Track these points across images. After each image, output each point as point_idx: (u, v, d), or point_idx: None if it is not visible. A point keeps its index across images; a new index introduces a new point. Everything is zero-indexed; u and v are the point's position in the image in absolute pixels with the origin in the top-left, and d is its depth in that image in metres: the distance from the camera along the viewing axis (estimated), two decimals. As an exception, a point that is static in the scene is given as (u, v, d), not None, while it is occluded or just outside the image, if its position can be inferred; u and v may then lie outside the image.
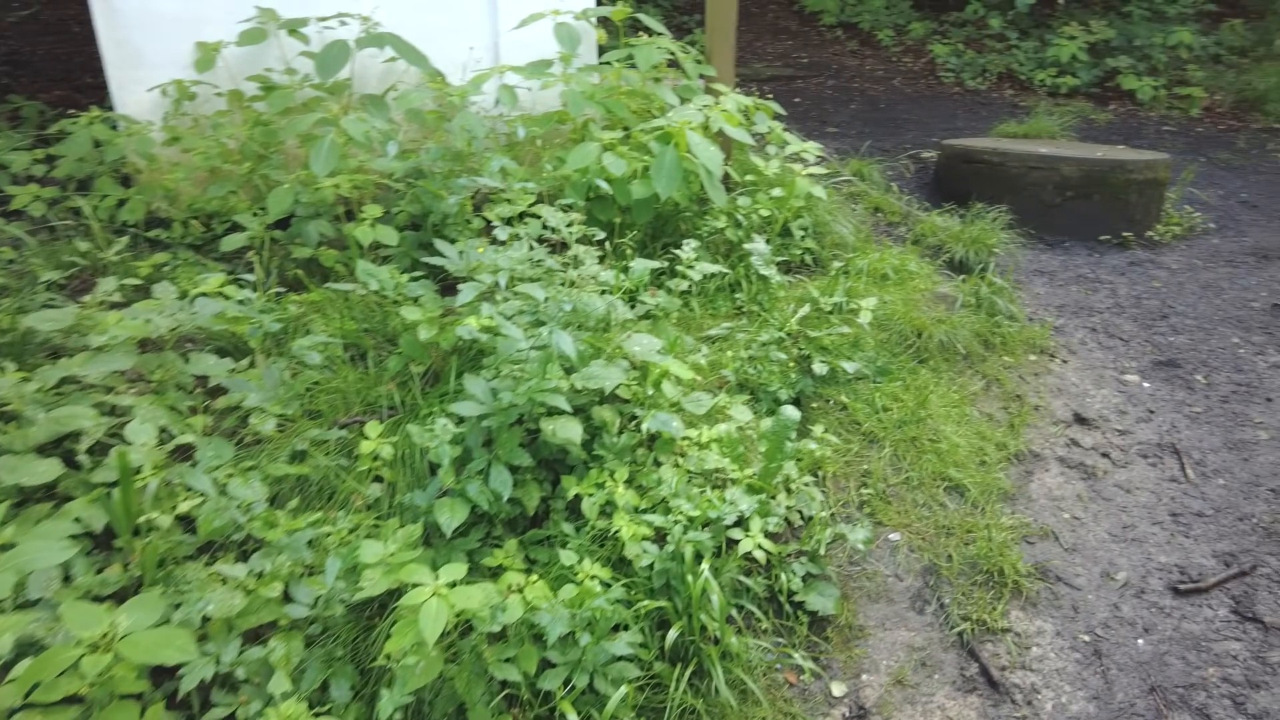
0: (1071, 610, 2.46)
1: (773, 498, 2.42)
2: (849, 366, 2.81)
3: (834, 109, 7.59)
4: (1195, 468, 3.03)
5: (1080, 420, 3.21)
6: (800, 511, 2.52)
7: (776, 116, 3.79)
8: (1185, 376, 3.59)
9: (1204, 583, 2.55)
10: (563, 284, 2.57)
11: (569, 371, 2.32)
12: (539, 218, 2.89)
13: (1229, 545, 2.70)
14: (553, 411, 2.10)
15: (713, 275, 3.24)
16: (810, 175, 3.55)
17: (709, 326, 3.23)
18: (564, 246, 2.90)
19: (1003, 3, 9.64)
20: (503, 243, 2.69)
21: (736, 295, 3.36)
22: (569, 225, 2.77)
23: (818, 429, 2.74)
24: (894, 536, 2.59)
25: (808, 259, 3.68)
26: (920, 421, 2.93)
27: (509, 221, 2.89)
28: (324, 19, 3.55)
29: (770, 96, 3.86)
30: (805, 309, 3.19)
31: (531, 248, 2.71)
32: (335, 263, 3.18)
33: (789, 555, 2.40)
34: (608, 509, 2.14)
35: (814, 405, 2.96)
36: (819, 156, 3.70)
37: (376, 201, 3.21)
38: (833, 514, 2.60)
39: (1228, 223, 5.34)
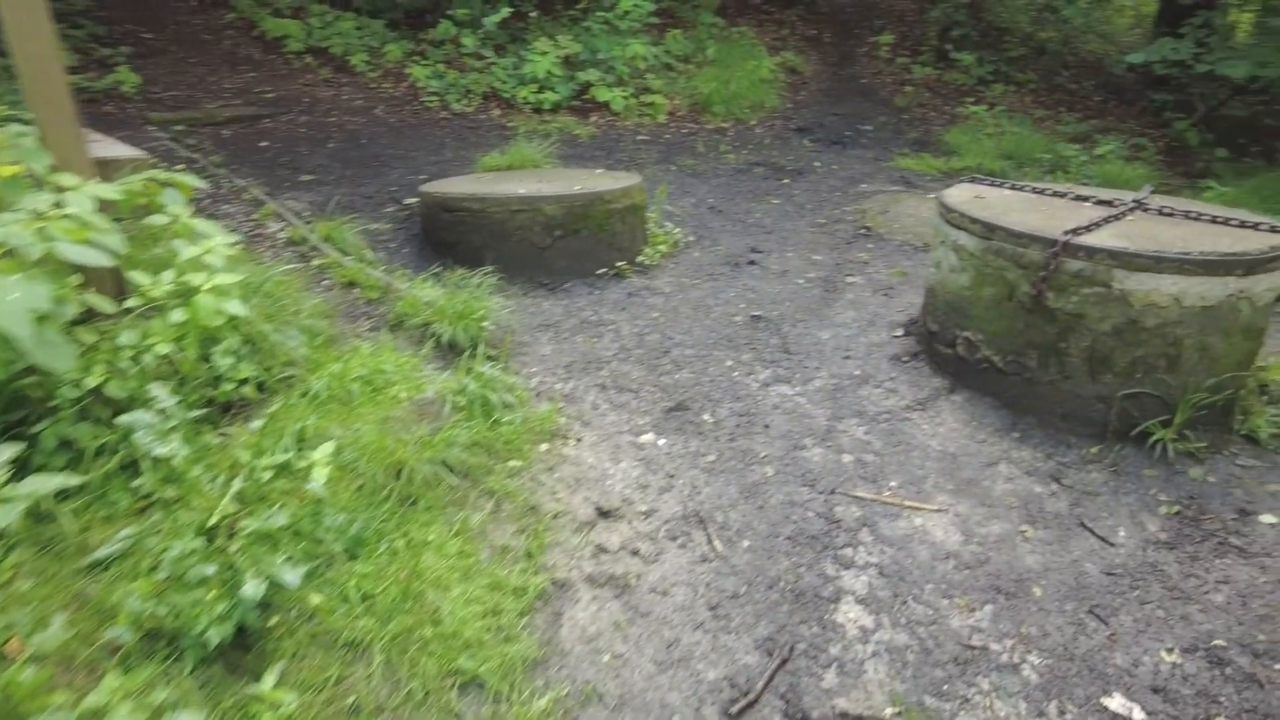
0: (630, 800, 2.02)
1: None
2: (290, 577, 2.02)
3: (309, 151, 6.65)
4: (721, 534, 2.84)
5: (604, 514, 2.85)
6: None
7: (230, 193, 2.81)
8: (695, 419, 3.47)
9: (753, 691, 2.30)
10: None
11: None
12: None
13: (767, 627, 2.50)
14: None
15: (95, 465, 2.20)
16: (219, 286, 2.64)
17: (98, 542, 2.20)
18: None
19: (474, 19, 9.51)
20: None
21: (139, 481, 2.36)
22: None
23: (269, 680, 1.92)
24: (398, 802, 1.89)
25: (248, 392, 2.79)
26: (417, 599, 2.27)
27: None
28: None
29: (181, 172, 2.85)
30: (239, 482, 2.32)
31: None
32: None
33: None
34: None
35: (272, 624, 2.13)
36: (231, 254, 2.81)
37: None
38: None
39: (703, 232, 5.65)
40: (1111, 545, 2.86)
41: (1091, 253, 3.08)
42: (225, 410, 2.77)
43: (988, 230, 3.36)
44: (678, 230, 5.45)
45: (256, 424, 2.45)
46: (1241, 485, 3.14)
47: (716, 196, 6.42)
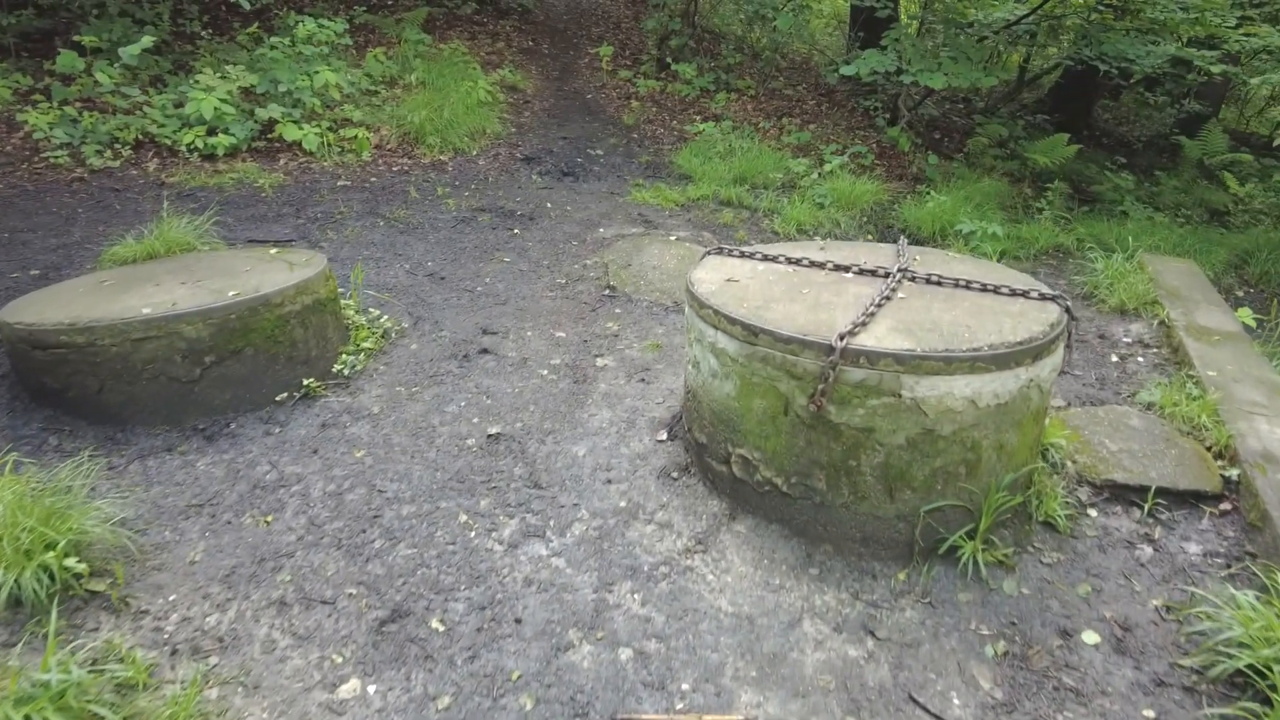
0: None
1: None
2: None
3: None
4: None
5: None
6: None
7: None
8: (418, 633, 2.54)
9: None
10: None
11: None
12: None
13: None
14: None
15: None
16: None
17: None
18: None
19: (111, 49, 7.69)
20: None
21: None
22: None
23: None
24: None
25: None
26: None
27: None
28: None
29: None
30: None
31: None
32: None
33: None
34: None
35: None
36: None
37: None
38: None
39: (421, 311, 4.66)
40: (949, 726, 2.33)
41: (874, 358, 2.55)
42: None
43: (750, 333, 2.74)
44: (387, 318, 4.42)
45: None
46: (1055, 594, 2.78)
47: (436, 257, 5.44)
